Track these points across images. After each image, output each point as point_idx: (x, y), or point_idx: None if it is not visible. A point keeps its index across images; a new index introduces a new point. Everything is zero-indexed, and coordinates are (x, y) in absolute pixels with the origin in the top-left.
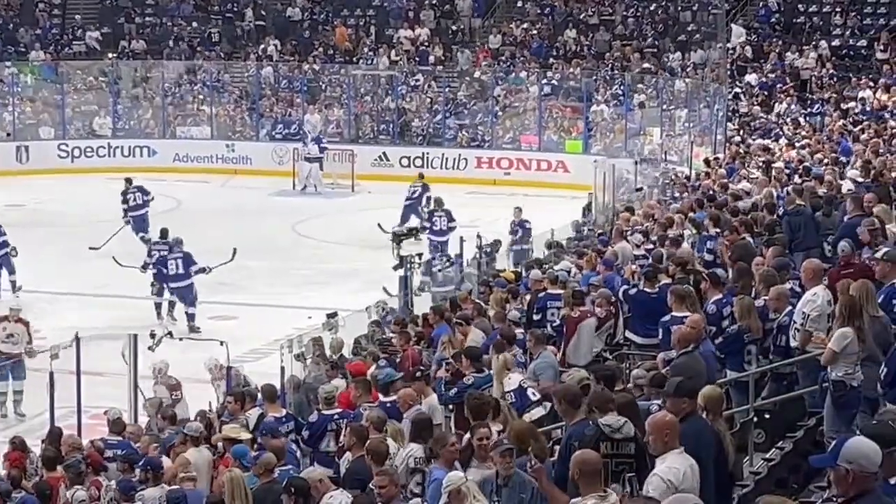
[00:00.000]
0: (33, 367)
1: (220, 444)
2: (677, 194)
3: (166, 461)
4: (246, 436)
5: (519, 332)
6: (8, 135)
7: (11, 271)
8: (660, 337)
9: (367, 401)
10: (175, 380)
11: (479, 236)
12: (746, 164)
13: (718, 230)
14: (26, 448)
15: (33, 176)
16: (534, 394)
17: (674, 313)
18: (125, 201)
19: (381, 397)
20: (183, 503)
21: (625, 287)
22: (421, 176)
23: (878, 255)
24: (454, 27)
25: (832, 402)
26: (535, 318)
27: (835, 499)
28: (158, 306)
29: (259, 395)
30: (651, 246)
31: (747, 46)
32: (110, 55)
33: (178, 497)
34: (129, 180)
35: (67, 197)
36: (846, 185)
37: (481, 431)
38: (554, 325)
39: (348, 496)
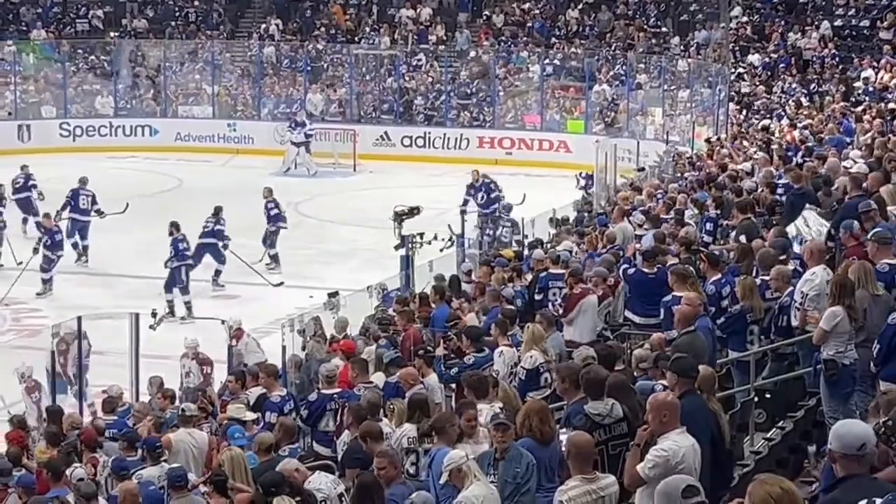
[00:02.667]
0: (37, 346)
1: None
2: (679, 174)
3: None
4: (250, 416)
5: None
6: (9, 114)
7: None
8: (661, 317)
9: (365, 380)
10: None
11: (479, 216)
12: (750, 144)
13: (719, 211)
14: (26, 426)
15: (35, 155)
16: (546, 380)
17: (675, 293)
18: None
19: (386, 378)
20: (183, 481)
21: (624, 266)
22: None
23: (869, 235)
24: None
25: (825, 381)
26: (537, 297)
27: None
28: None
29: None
30: (649, 225)
31: (748, 26)
32: (112, 34)
33: (179, 475)
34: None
35: (69, 176)
36: (849, 166)
37: (469, 412)
38: (555, 304)
39: (328, 476)
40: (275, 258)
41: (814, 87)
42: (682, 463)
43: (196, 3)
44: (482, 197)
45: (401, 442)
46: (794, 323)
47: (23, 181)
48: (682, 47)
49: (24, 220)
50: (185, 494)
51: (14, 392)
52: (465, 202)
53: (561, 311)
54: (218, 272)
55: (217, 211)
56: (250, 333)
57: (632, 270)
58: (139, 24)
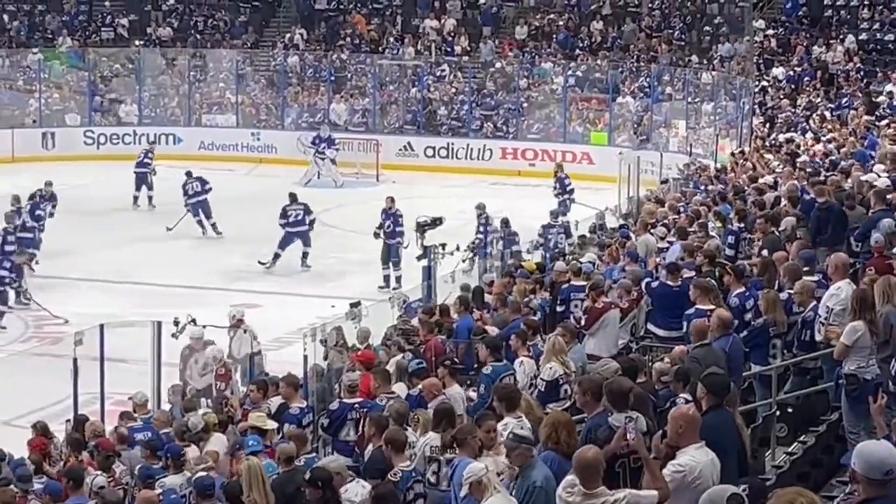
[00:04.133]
0: (56, 353)
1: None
2: (702, 186)
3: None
4: (272, 424)
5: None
6: (34, 121)
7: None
8: (683, 330)
9: (387, 391)
10: None
11: (502, 226)
12: (774, 157)
13: (742, 224)
14: (49, 433)
15: (59, 162)
16: (566, 392)
17: (698, 306)
18: (185, 193)
19: (408, 389)
20: (211, 490)
21: (647, 280)
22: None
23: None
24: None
25: (846, 396)
26: (559, 309)
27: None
28: None
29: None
30: (673, 239)
31: (772, 39)
32: (137, 43)
33: (207, 484)
34: (188, 173)
35: (93, 184)
36: (871, 180)
37: (489, 424)
38: (577, 316)
39: (364, 486)
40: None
41: (842, 102)
42: (698, 479)
43: (221, 12)
44: (389, 225)
45: (423, 450)
46: (819, 337)
47: (143, 155)
48: (703, 61)
49: (136, 198)
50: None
51: (35, 399)
52: (381, 225)
53: (583, 323)
54: (306, 254)
55: (295, 197)
56: (248, 328)
57: (655, 283)
58: (164, 32)
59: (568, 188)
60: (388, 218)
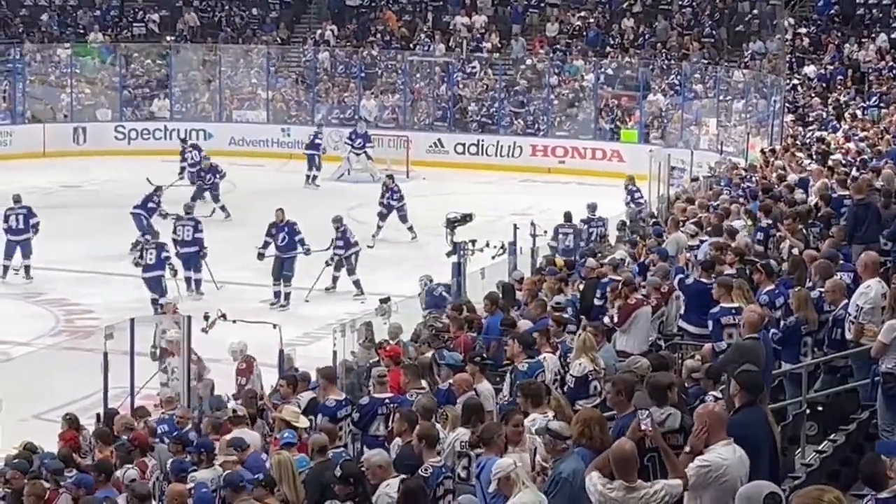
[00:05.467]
0: (87, 347)
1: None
2: (736, 184)
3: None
4: (304, 423)
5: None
6: (65, 116)
7: (27, 255)
8: (710, 328)
9: (417, 387)
10: None
11: (532, 224)
12: (805, 155)
13: (770, 221)
14: (80, 426)
15: (90, 157)
16: (595, 388)
17: (722, 304)
18: (183, 159)
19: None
20: (241, 483)
21: (680, 276)
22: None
23: None
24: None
25: (882, 395)
26: (597, 303)
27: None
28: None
29: (314, 378)
30: (705, 237)
31: (804, 38)
32: (168, 38)
33: (236, 479)
34: (183, 140)
35: (123, 179)
36: None
37: (516, 418)
38: (611, 314)
39: None
40: None
41: (874, 100)
42: (724, 476)
43: (252, 9)
44: (283, 238)
45: (454, 446)
46: (849, 336)
47: (312, 137)
48: (734, 59)
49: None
50: (247, 499)
51: (66, 393)
52: (266, 244)
53: (616, 320)
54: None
55: (392, 177)
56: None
57: (689, 280)
58: (195, 27)
59: (637, 199)
60: (281, 230)
